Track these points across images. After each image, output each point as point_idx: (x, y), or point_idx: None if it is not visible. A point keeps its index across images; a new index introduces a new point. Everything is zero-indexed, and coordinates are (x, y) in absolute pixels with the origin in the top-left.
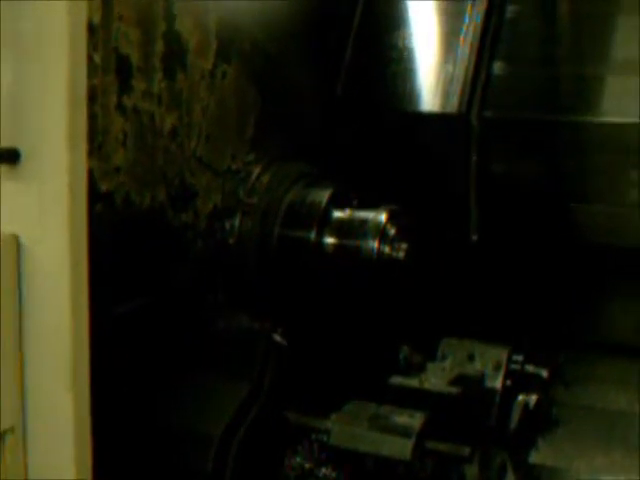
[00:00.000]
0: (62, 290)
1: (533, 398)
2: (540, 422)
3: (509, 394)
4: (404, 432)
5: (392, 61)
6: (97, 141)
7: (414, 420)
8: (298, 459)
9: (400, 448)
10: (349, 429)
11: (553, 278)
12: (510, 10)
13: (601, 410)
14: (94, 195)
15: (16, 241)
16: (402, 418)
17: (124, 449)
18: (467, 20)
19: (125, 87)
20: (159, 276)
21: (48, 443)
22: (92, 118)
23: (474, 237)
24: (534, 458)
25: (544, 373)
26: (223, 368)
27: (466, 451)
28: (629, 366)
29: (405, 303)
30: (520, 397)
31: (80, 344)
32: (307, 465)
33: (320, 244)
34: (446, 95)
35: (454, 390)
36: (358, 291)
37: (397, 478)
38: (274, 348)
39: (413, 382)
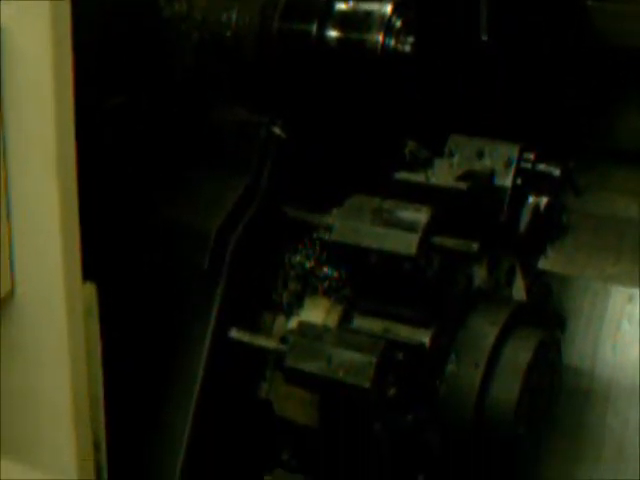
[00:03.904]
0: (44, 77)
1: (544, 200)
2: (550, 228)
3: (519, 194)
4: (409, 227)
5: None
6: None
7: (420, 214)
8: (298, 258)
9: (405, 243)
10: (351, 224)
11: (565, 81)
12: None
13: (612, 218)
14: None
15: None
16: (407, 212)
17: (118, 246)
18: None
19: None
20: (151, 69)
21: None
22: None
23: (484, 37)
24: (544, 265)
25: (556, 172)
26: (220, 162)
27: (474, 247)
28: None
29: (412, 99)
30: (531, 199)
31: (64, 124)
32: (308, 264)
33: (322, 37)
34: None
35: (462, 185)
36: (361, 85)
37: (402, 275)
38: (273, 141)
39: (419, 177)
